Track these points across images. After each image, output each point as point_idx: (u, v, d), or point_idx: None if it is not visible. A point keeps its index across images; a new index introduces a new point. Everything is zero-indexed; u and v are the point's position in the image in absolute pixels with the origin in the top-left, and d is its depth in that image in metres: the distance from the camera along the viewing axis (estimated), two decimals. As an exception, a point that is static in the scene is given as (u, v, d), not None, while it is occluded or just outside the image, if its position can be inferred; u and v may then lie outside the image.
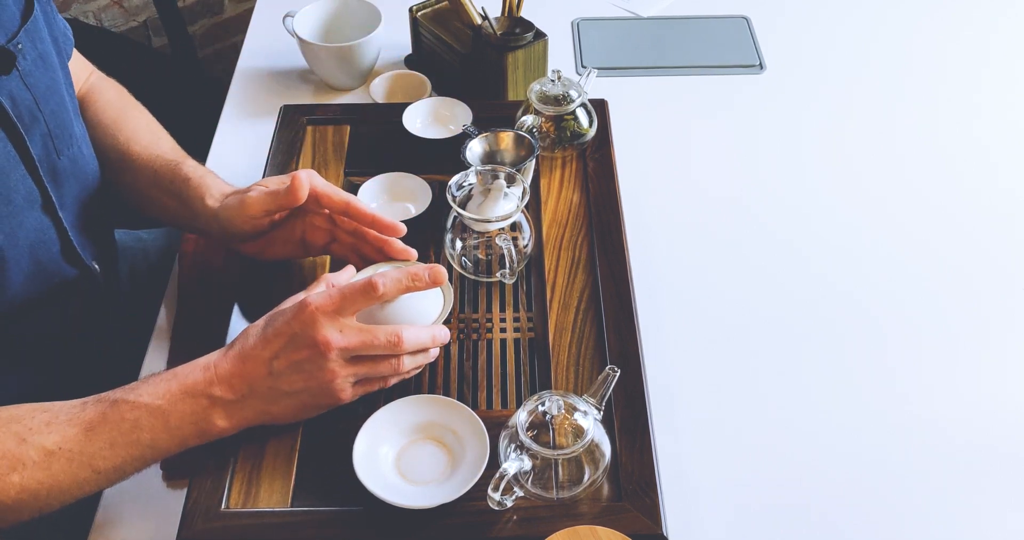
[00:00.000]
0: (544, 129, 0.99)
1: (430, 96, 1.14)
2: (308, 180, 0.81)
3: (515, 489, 0.71)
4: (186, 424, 0.70)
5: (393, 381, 0.77)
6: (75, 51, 0.95)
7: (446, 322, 0.82)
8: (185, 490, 0.73)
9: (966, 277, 0.99)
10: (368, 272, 0.82)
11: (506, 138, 0.93)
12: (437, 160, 0.99)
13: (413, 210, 0.94)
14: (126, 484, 0.72)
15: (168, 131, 0.97)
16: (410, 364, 0.76)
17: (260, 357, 0.71)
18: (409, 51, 1.25)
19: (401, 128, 1.03)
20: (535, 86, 1.00)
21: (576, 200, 0.97)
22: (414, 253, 0.83)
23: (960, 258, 1.01)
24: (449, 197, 0.83)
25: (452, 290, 0.82)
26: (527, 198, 0.85)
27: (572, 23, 1.34)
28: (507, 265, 0.86)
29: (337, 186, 0.84)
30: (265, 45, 1.29)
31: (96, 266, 0.90)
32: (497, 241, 0.84)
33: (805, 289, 0.98)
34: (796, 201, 1.07)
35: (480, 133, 0.93)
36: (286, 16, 1.21)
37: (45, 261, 0.84)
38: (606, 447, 0.72)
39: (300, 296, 0.77)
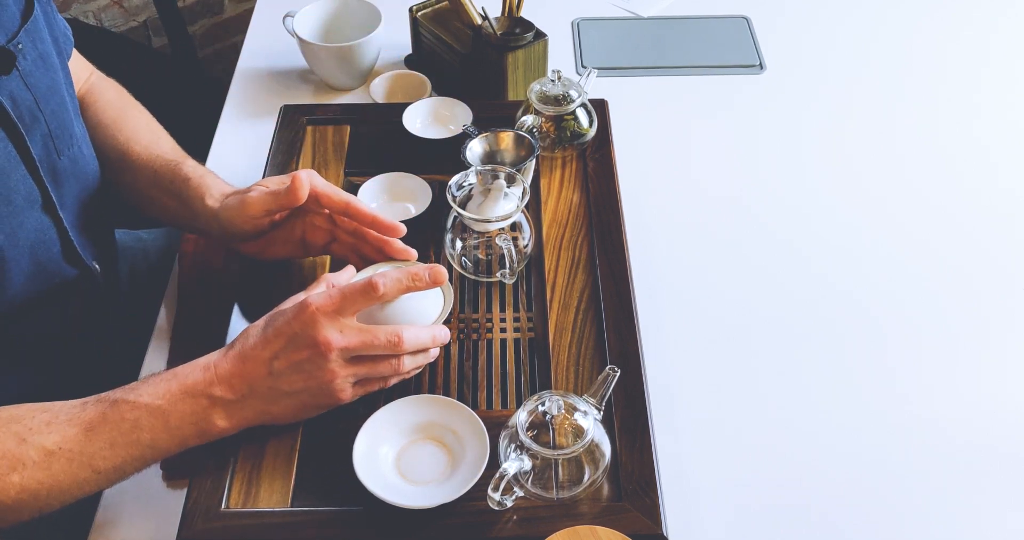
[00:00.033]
0: (544, 129, 0.99)
1: (430, 96, 1.14)
2: (308, 180, 0.81)
3: (515, 489, 0.71)
4: (186, 424, 0.70)
5: (393, 381, 0.77)
6: (75, 51, 0.95)
7: (446, 322, 0.82)
8: (185, 490, 0.73)
9: (966, 277, 0.99)
10: (368, 272, 0.82)
11: (506, 138, 0.93)
12: (437, 160, 0.99)
13: (413, 210, 0.94)
14: (126, 484, 0.72)
15: (168, 131, 0.97)
16: (410, 364, 0.76)
17: (260, 357, 0.71)
18: (409, 51, 1.25)
19: (401, 128, 1.03)
20: (535, 86, 1.00)
21: (576, 200, 0.97)
22: (414, 253, 0.83)
23: (960, 258, 1.01)
24: (449, 197, 0.83)
25: (452, 290, 0.82)
26: (527, 198, 0.85)
27: (572, 23, 1.34)
28: (507, 265, 0.86)
29: (337, 186, 0.84)
30: (265, 45, 1.29)
31: (96, 266, 0.90)
32: (497, 241, 0.84)
33: (805, 289, 0.98)
34: (796, 201, 1.07)
35: (480, 133, 0.93)
36: (286, 16, 1.21)
37: (45, 261, 0.84)
38: (606, 447, 0.72)
39: (300, 296, 0.77)
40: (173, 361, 0.87)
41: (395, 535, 0.70)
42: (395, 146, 1.03)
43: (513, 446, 0.71)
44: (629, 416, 0.77)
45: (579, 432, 0.70)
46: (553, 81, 1.00)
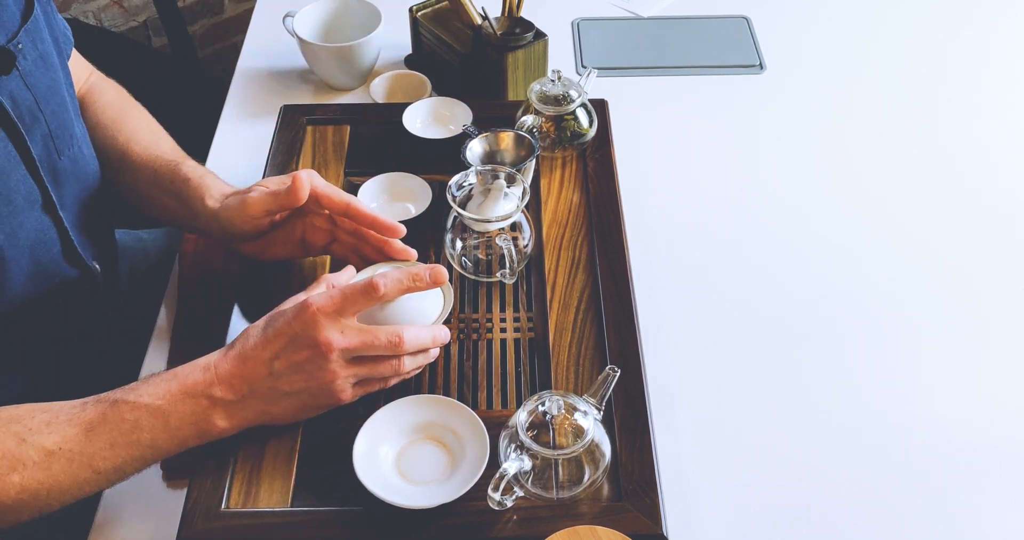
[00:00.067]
0: (544, 129, 0.99)
1: (430, 96, 1.14)
2: (308, 180, 0.81)
3: (515, 489, 0.71)
4: (186, 424, 0.70)
5: (393, 381, 0.77)
6: (74, 51, 0.95)
7: (446, 322, 0.82)
8: (185, 490, 0.73)
9: (966, 277, 0.99)
10: (368, 272, 0.82)
11: (506, 138, 0.93)
12: (437, 160, 0.99)
13: (413, 210, 0.94)
14: (126, 484, 0.72)
15: (168, 131, 0.97)
16: (411, 365, 0.76)
17: (260, 357, 0.71)
18: (409, 51, 1.25)
19: (401, 128, 1.03)
20: (535, 86, 1.00)
21: (576, 200, 0.97)
22: (414, 253, 0.83)
23: (960, 258, 1.01)
24: (449, 197, 0.83)
25: (452, 290, 0.82)
26: (527, 198, 0.85)
27: (572, 23, 1.34)
28: (507, 265, 0.86)
29: (337, 186, 0.84)
30: (265, 45, 1.29)
31: (96, 266, 0.90)
32: (497, 241, 0.84)
33: (805, 289, 0.98)
34: (796, 201, 1.07)
35: (480, 133, 0.93)
36: (286, 16, 1.21)
37: (45, 261, 0.84)
38: (606, 447, 0.72)
39: (300, 296, 0.77)
40: (173, 361, 0.87)
41: (395, 535, 0.70)
42: (395, 146, 1.03)
43: (513, 446, 0.71)
44: (629, 416, 0.77)
45: (579, 432, 0.70)
46: (553, 81, 1.00)
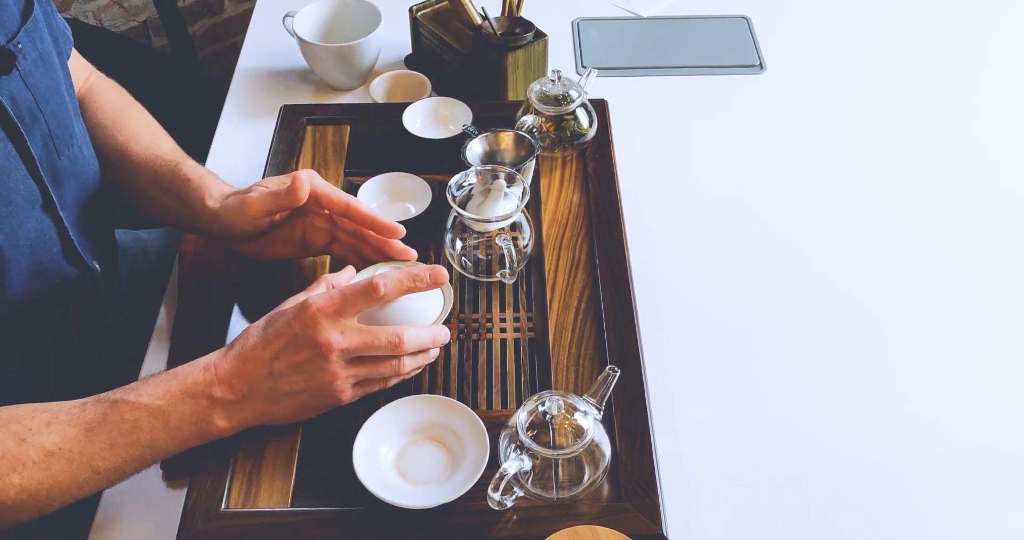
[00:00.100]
0: (544, 129, 0.99)
1: (430, 96, 1.14)
2: (308, 181, 0.81)
3: (515, 489, 0.71)
4: (186, 425, 0.70)
5: (393, 382, 0.77)
6: (74, 51, 0.95)
7: (446, 322, 0.82)
8: (185, 490, 0.73)
9: (966, 277, 0.99)
10: (368, 272, 0.82)
11: (506, 138, 0.93)
12: (437, 160, 0.99)
13: (413, 210, 0.94)
14: (126, 484, 0.72)
15: (168, 131, 0.97)
16: (411, 365, 0.76)
17: (260, 358, 0.71)
18: (409, 51, 1.25)
19: (401, 128, 1.03)
20: (535, 86, 1.00)
21: (576, 200, 0.97)
22: (414, 253, 0.83)
23: (960, 258, 1.01)
24: (449, 197, 0.83)
25: (452, 290, 0.82)
26: (527, 198, 0.85)
27: (572, 23, 1.34)
28: (507, 265, 0.86)
29: (337, 186, 0.84)
30: (265, 45, 1.29)
31: (96, 266, 0.90)
32: (497, 241, 0.84)
33: (805, 289, 0.98)
34: (796, 201, 1.07)
35: (480, 133, 0.93)
36: (286, 16, 1.21)
37: (45, 261, 0.84)
38: (606, 447, 0.72)
39: (300, 297, 0.77)
40: (173, 361, 0.87)
41: (395, 535, 0.70)
42: (395, 146, 1.03)
43: (513, 446, 0.71)
44: (629, 416, 0.77)
45: (579, 432, 0.70)
46: (553, 81, 1.00)
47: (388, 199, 0.96)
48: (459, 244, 0.89)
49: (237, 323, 0.85)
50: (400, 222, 0.83)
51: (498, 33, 1.09)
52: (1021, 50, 1.30)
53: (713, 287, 0.98)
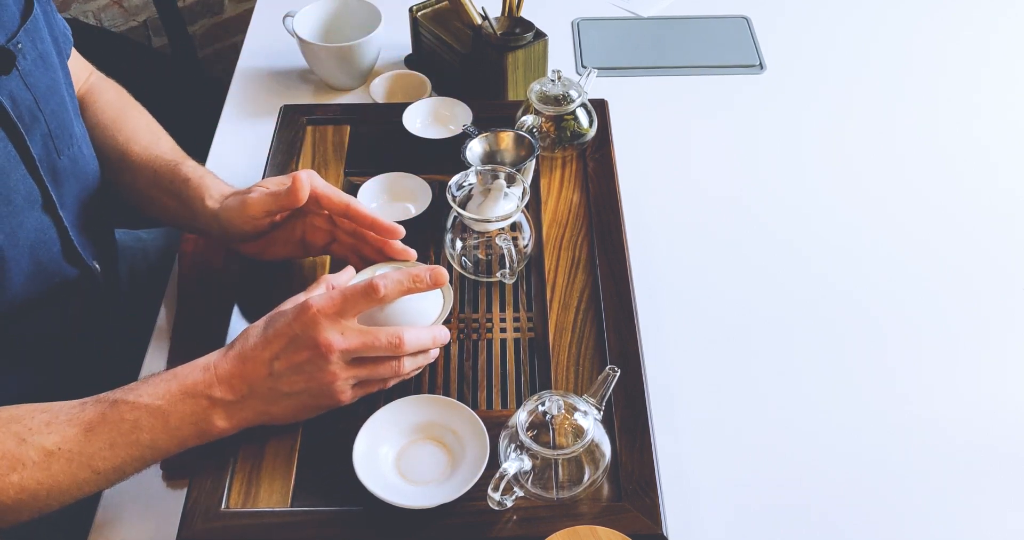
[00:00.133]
0: (544, 129, 0.99)
1: (430, 96, 1.14)
2: (308, 181, 0.81)
3: (515, 489, 0.71)
4: (186, 425, 0.70)
5: (392, 382, 0.77)
6: (74, 51, 0.95)
7: (446, 322, 0.82)
8: (185, 490, 0.73)
9: (966, 277, 0.99)
10: (367, 273, 0.82)
11: (506, 138, 0.93)
12: (437, 160, 0.99)
13: (413, 210, 0.94)
14: (126, 484, 0.72)
15: (168, 131, 0.97)
16: (410, 366, 0.76)
17: (260, 358, 0.71)
18: (409, 51, 1.25)
19: (401, 128, 1.03)
20: (535, 86, 1.00)
21: (576, 200, 0.97)
22: (413, 254, 0.83)
23: (960, 258, 1.01)
24: (449, 197, 0.83)
25: (452, 290, 0.82)
26: (527, 198, 0.85)
27: (572, 23, 1.34)
28: (507, 265, 0.86)
29: (337, 186, 0.84)
30: (265, 45, 1.29)
31: (96, 266, 0.90)
32: (497, 241, 0.84)
33: (805, 289, 0.98)
34: (796, 201, 1.07)
35: (480, 133, 0.93)
36: (286, 16, 1.21)
37: (45, 261, 0.84)
38: (606, 447, 0.72)
39: (300, 297, 0.77)
40: (173, 361, 0.87)
41: (395, 535, 0.70)
42: (395, 146, 1.03)
43: (513, 446, 0.71)
44: (629, 416, 0.77)
45: (579, 432, 0.70)
46: (553, 81, 1.00)
47: (388, 199, 0.96)
48: (459, 244, 0.88)
49: (237, 323, 0.85)
50: (400, 222, 0.83)
51: (498, 33, 1.09)
52: (1021, 50, 1.30)
53: (713, 287, 0.98)
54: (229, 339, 0.78)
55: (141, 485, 0.78)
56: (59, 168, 0.84)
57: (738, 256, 1.01)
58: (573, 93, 0.99)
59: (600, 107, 1.04)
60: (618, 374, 0.71)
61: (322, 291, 0.77)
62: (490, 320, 0.86)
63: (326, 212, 0.85)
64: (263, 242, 0.86)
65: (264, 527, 0.71)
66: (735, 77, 1.25)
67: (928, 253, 1.01)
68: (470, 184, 0.86)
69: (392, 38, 1.23)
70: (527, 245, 0.89)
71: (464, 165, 0.89)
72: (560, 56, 1.27)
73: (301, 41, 1.17)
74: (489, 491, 0.69)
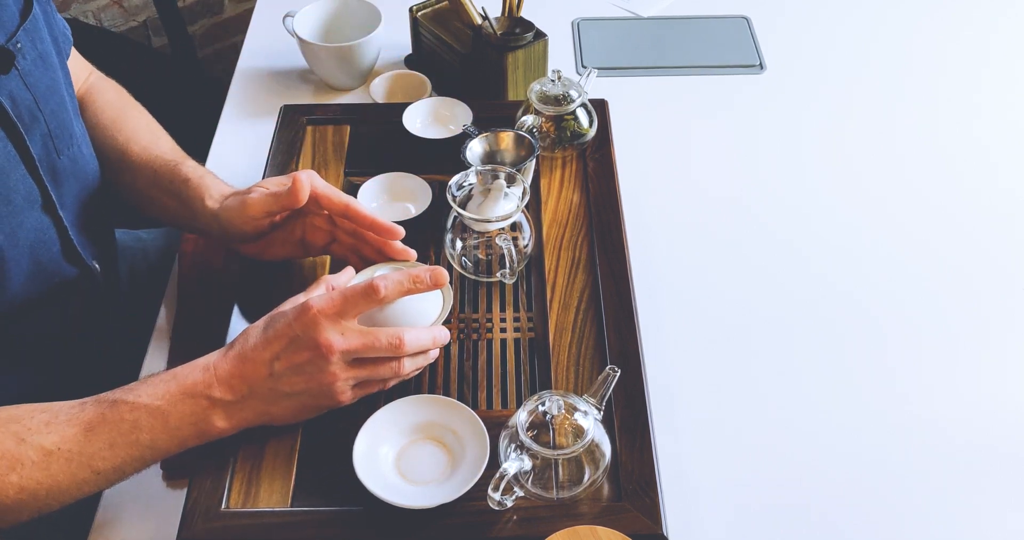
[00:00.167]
0: (544, 129, 0.99)
1: (430, 96, 1.14)
2: (308, 182, 0.81)
3: (515, 489, 0.71)
4: (185, 425, 0.70)
5: (392, 383, 0.77)
6: (74, 51, 0.95)
7: (446, 322, 0.82)
8: (185, 490, 0.73)
9: (966, 277, 0.99)
10: (367, 273, 0.82)
11: (506, 138, 0.93)
12: (437, 160, 0.99)
13: (413, 210, 0.94)
14: (126, 484, 0.72)
15: (168, 131, 0.97)
16: (410, 366, 0.76)
17: (260, 358, 0.71)
18: (409, 51, 1.25)
19: (401, 128, 1.03)
20: (535, 86, 1.00)
21: (576, 200, 0.97)
22: (413, 254, 0.83)
23: (960, 258, 1.01)
24: (449, 197, 0.83)
25: (452, 291, 0.82)
26: (527, 198, 0.85)
27: (572, 23, 1.34)
28: (507, 265, 0.86)
29: (337, 186, 0.84)
30: (265, 45, 1.29)
31: (96, 266, 0.90)
32: (497, 241, 0.84)
33: (805, 289, 0.98)
34: (796, 201, 1.07)
35: (480, 133, 0.93)
36: (286, 16, 1.21)
37: (45, 261, 0.84)
38: (606, 447, 0.72)
39: (300, 298, 0.77)
40: (173, 361, 0.87)
41: (395, 535, 0.70)
42: (395, 146, 1.03)
43: (513, 446, 0.71)
44: (629, 416, 0.77)
45: (579, 432, 0.70)
46: (553, 81, 1.00)
47: (388, 199, 0.96)
48: (459, 244, 0.88)
49: (237, 323, 0.85)
50: (400, 222, 0.83)
51: (498, 33, 1.09)
52: (1021, 50, 1.30)
53: (713, 287, 0.98)
54: (229, 339, 0.78)
55: (141, 485, 0.78)
56: (59, 168, 0.84)
57: (738, 256, 1.01)
58: (573, 93, 0.99)
59: (600, 107, 1.04)
60: (618, 374, 0.71)
61: (322, 292, 0.77)
62: (490, 320, 0.86)
63: (326, 212, 0.85)
64: (263, 242, 0.86)
65: (264, 527, 0.71)
66: (735, 77, 1.25)
67: (928, 253, 1.01)
68: (470, 184, 0.86)
69: (392, 38, 1.23)
70: (527, 245, 0.89)
71: (464, 165, 0.89)
72: (560, 56, 1.27)
73: (301, 41, 1.17)
74: (489, 491, 0.69)
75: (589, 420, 0.71)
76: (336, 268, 0.87)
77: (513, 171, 0.85)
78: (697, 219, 1.05)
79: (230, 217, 0.83)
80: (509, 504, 0.71)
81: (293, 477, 0.74)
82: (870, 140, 1.15)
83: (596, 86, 1.15)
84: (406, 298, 0.76)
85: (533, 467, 0.70)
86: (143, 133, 0.94)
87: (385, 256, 0.83)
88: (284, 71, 1.25)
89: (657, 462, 0.74)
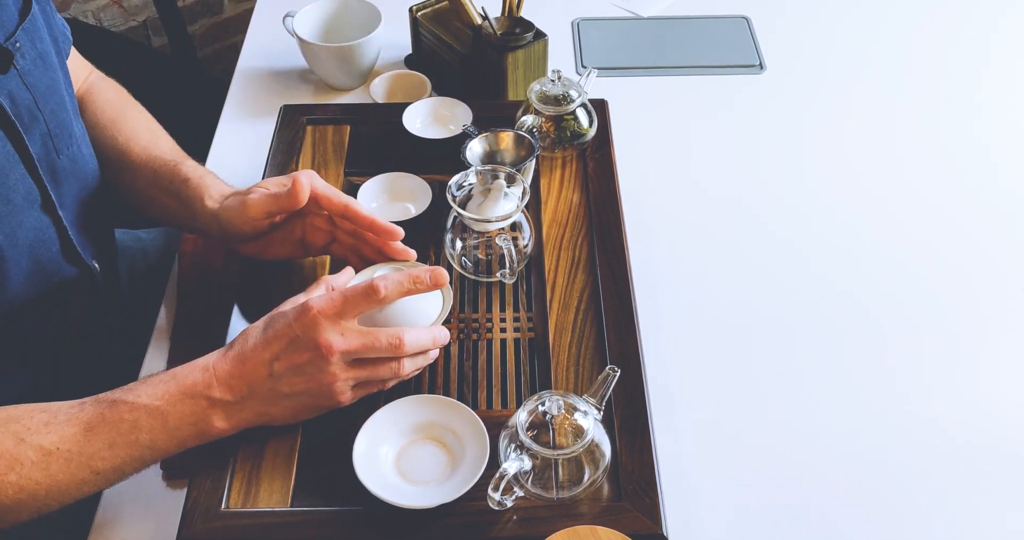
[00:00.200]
0: (544, 129, 0.99)
1: (430, 96, 1.14)
2: (308, 182, 0.81)
3: (515, 489, 0.71)
4: (185, 425, 0.70)
5: (392, 383, 0.77)
6: (73, 50, 0.95)
7: (446, 322, 0.82)
8: (185, 490, 0.73)
9: (966, 277, 0.99)
10: (367, 273, 0.82)
11: (506, 138, 0.93)
12: (437, 160, 0.99)
13: (413, 210, 0.94)
14: (126, 484, 0.72)
15: (168, 131, 0.97)
16: (410, 367, 0.76)
17: (260, 359, 0.71)
18: (409, 51, 1.25)
19: (401, 128, 1.03)
20: (535, 86, 1.00)
21: (576, 200, 0.97)
22: (413, 254, 0.83)
23: (960, 258, 1.01)
24: (449, 197, 0.83)
25: (452, 291, 0.82)
26: (527, 198, 0.85)
27: (572, 23, 1.34)
28: (507, 265, 0.86)
29: (337, 186, 0.84)
30: (265, 45, 1.29)
31: (96, 265, 0.90)
32: (497, 241, 0.84)
33: (805, 289, 0.98)
34: (796, 201, 1.07)
35: (480, 133, 0.93)
36: (286, 16, 1.21)
37: (45, 260, 0.84)
38: (606, 447, 0.72)
39: (300, 298, 0.77)
40: (173, 361, 0.87)
41: (395, 535, 0.70)
42: (395, 146, 1.03)
43: (513, 446, 0.71)
44: (629, 416, 0.77)
45: (579, 432, 0.70)
46: (553, 81, 1.00)
47: (388, 199, 0.96)
48: (459, 244, 0.88)
49: (237, 323, 0.85)
50: (400, 222, 0.83)
51: (498, 33, 1.09)
52: (1021, 50, 1.30)
53: (713, 287, 0.98)
54: (229, 339, 0.78)
55: (141, 485, 0.78)
56: (58, 168, 0.84)
57: (738, 256, 1.01)
58: (573, 93, 0.99)
59: (600, 107, 1.04)
60: (618, 374, 0.71)
61: (322, 292, 0.77)
62: (490, 320, 0.86)
63: (326, 213, 0.85)
64: (263, 242, 0.86)
65: (264, 527, 0.71)
66: (735, 77, 1.25)
67: (928, 253, 1.01)
68: (470, 184, 0.86)
69: (392, 38, 1.23)
70: (527, 245, 0.89)
71: (464, 165, 0.89)
72: (560, 56, 1.27)
73: (301, 41, 1.17)
74: (489, 491, 0.69)
75: (589, 420, 0.71)
76: (336, 268, 0.87)
77: (513, 171, 0.85)
78: (697, 219, 1.05)
79: (230, 217, 0.83)
80: (509, 504, 0.71)
81: (293, 477, 0.74)
82: (870, 140, 1.15)
83: (596, 86, 1.15)
84: (406, 298, 0.76)
85: (533, 467, 0.70)
86: (143, 133, 0.94)
87: (385, 256, 0.83)
88: (284, 71, 1.25)
89: (657, 462, 0.74)
